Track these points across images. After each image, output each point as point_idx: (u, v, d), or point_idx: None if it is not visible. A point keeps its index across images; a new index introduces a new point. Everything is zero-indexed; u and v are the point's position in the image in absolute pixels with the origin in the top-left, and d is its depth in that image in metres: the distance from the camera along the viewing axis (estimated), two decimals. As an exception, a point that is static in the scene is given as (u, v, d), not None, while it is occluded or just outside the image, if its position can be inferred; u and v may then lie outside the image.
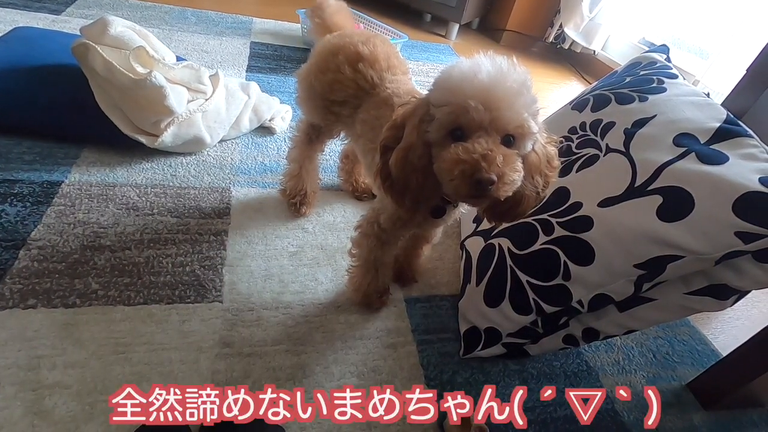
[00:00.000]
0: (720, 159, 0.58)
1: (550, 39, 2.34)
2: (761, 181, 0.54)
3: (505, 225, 0.76)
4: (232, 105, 1.13)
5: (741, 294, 0.64)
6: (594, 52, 2.24)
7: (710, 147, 0.61)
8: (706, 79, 1.75)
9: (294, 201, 0.95)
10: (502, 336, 0.75)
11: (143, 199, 0.92)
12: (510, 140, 0.48)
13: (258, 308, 0.76)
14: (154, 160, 1.02)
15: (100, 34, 0.96)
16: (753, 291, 0.63)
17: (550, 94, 1.95)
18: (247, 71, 1.48)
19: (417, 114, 0.52)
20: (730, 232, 0.54)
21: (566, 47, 2.32)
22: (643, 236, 0.60)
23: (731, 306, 0.65)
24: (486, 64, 0.48)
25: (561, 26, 2.25)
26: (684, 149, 0.62)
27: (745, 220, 0.53)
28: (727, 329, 0.99)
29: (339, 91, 0.75)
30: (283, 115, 1.25)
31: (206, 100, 1.06)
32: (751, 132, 0.61)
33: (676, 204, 0.58)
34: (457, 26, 2.28)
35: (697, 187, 0.57)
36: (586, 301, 0.67)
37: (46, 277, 0.73)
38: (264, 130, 1.21)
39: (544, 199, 0.56)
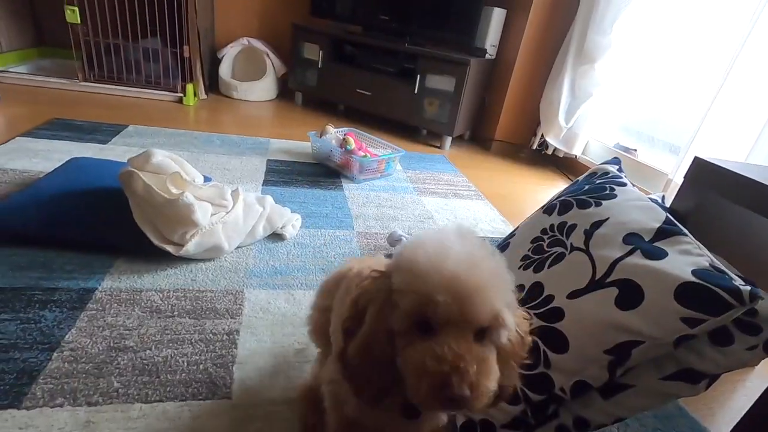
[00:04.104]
0: (661, 255, 0.68)
1: (535, 146, 2.59)
2: (693, 273, 0.63)
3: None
4: (249, 216, 1.27)
5: (711, 378, 0.69)
6: (575, 156, 2.47)
7: (653, 245, 0.71)
8: (678, 176, 1.90)
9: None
10: (496, 428, 0.78)
11: (165, 302, 1.01)
12: (483, 332, 0.44)
13: (265, 404, 0.80)
14: (177, 266, 1.14)
15: (144, 162, 1.15)
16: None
17: (537, 196, 2.11)
18: (263, 185, 1.67)
19: (378, 298, 0.46)
20: (676, 318, 0.61)
21: (550, 153, 2.56)
22: (607, 324, 0.67)
23: (705, 390, 0.69)
24: (455, 248, 0.43)
25: (543, 135, 2.51)
26: (632, 246, 0.72)
27: (685, 307, 0.61)
28: (733, 422, 0.98)
29: None
30: (294, 223, 1.39)
31: (227, 213, 1.21)
32: (686, 231, 0.71)
33: (630, 295, 0.66)
34: (450, 138, 2.56)
35: (644, 279, 0.66)
36: (568, 388, 0.71)
37: (74, 377, 0.80)
38: (276, 236, 1.35)
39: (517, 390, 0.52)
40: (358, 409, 0.56)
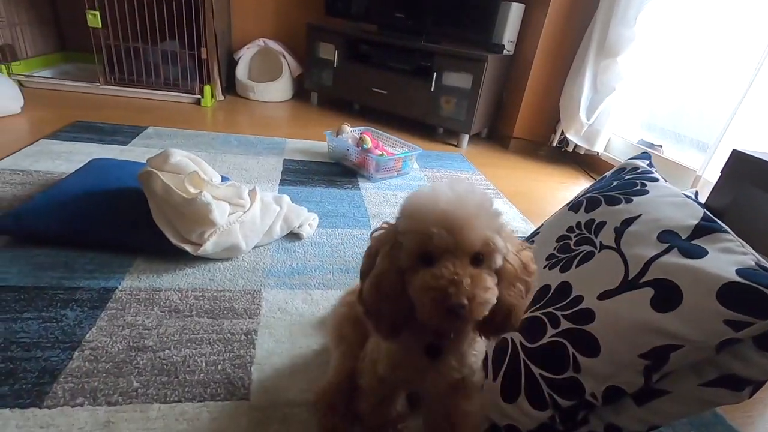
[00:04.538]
0: (700, 253, 0.64)
1: (555, 143, 2.53)
2: (738, 272, 0.59)
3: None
4: (266, 215, 1.26)
5: (756, 385, 0.64)
6: (597, 153, 2.39)
7: (691, 242, 0.67)
8: (708, 172, 1.83)
9: None
10: (522, 433, 0.75)
11: (184, 301, 1.01)
12: (480, 258, 0.50)
13: (283, 406, 0.79)
14: (195, 266, 1.13)
15: (162, 162, 1.15)
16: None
17: (558, 194, 2.06)
18: (279, 184, 1.66)
19: (387, 242, 0.54)
20: (719, 321, 0.57)
21: (570, 150, 2.49)
22: (642, 327, 0.63)
23: (749, 398, 0.65)
24: (445, 191, 0.51)
25: (563, 132, 2.45)
26: (667, 245, 0.68)
27: (730, 309, 0.57)
28: (770, 429, 0.93)
29: None
30: (311, 222, 1.38)
31: (244, 212, 1.20)
32: (726, 228, 0.67)
33: (667, 295, 0.62)
34: (467, 136, 2.52)
35: (683, 279, 0.62)
36: (600, 394, 0.67)
37: (95, 376, 0.80)
38: (293, 236, 1.33)
39: (527, 305, 0.57)
40: (387, 366, 0.63)
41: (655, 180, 0.86)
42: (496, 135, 2.77)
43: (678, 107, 2.17)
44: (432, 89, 2.46)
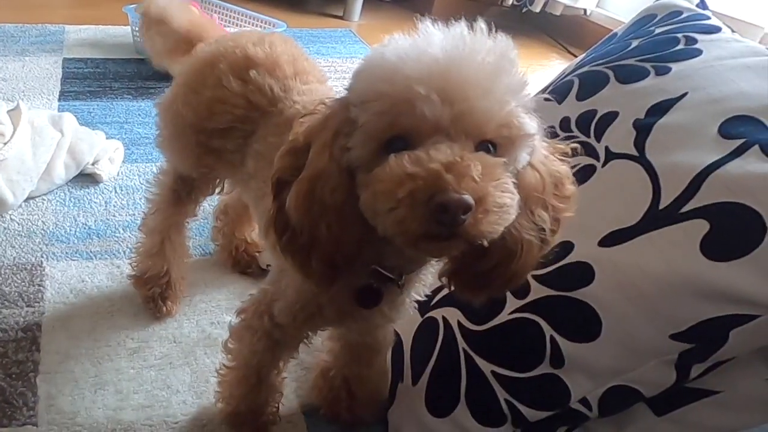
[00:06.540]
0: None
1: (511, 0, 1.81)
2: None
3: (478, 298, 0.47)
4: (41, 148, 1.02)
5: None
6: (585, 11, 1.70)
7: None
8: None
9: (151, 293, 0.76)
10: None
11: None
12: (489, 150, 0.33)
13: (86, 430, 0.66)
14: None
15: None
16: None
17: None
18: (59, 99, 1.33)
19: (329, 125, 0.36)
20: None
21: (537, 10, 1.77)
22: (681, 287, 0.43)
23: None
24: (437, 34, 0.33)
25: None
26: (739, 142, 0.44)
27: None
28: None
29: (222, 114, 0.57)
30: (112, 155, 1.12)
31: (5, 144, 0.96)
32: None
33: (734, 230, 0.42)
34: (359, 0, 1.87)
35: (766, 199, 0.41)
36: (595, 400, 0.48)
37: None
38: (86, 178, 1.08)
39: (551, 248, 0.39)
40: (287, 311, 0.49)
41: (713, 30, 0.59)
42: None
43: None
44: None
